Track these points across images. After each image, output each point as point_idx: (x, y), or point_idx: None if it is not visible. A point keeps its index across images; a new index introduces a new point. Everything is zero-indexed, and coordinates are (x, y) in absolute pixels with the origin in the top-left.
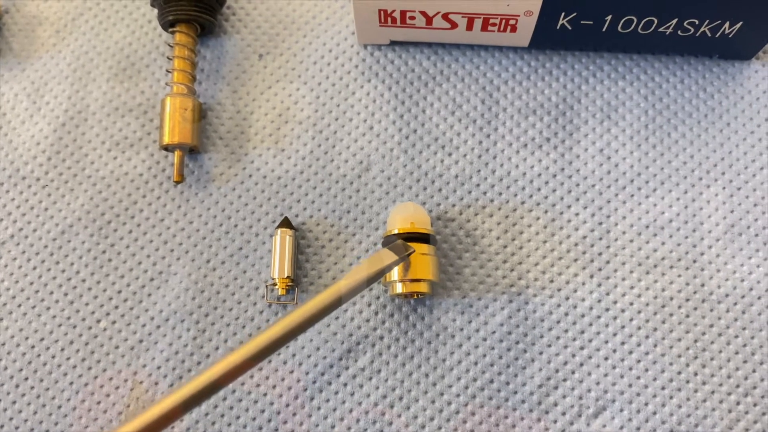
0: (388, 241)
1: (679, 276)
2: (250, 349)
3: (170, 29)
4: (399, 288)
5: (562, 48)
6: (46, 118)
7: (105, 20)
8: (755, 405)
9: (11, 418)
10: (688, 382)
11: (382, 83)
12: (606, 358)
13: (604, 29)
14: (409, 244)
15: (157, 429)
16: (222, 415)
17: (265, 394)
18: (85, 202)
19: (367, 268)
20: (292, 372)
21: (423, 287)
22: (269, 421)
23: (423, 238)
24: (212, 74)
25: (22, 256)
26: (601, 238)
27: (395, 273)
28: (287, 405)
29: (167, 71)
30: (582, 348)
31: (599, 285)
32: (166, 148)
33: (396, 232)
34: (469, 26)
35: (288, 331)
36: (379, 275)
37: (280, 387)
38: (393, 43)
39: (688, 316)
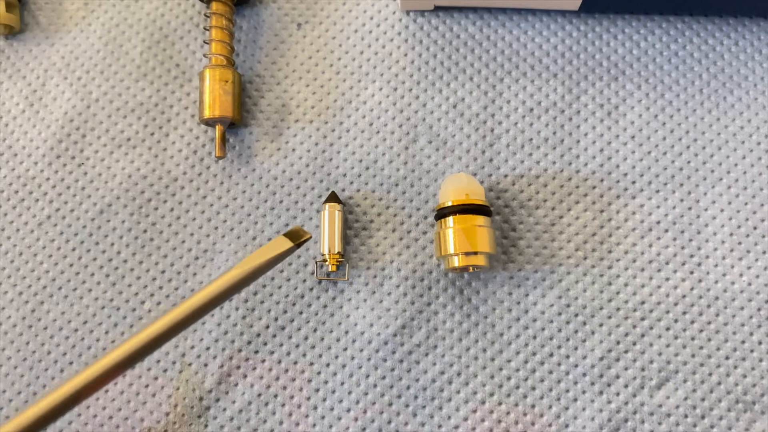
0: (441, 214)
1: (748, 236)
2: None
3: None
4: (456, 261)
5: (613, 11)
6: (79, 94)
7: None
8: None
9: None
10: (752, 351)
11: (427, 50)
12: (668, 329)
13: None
14: (463, 216)
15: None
16: (275, 396)
17: (319, 373)
18: (123, 180)
19: (261, 256)
20: (345, 350)
21: (481, 260)
22: (324, 400)
23: (479, 209)
24: (249, 45)
25: (60, 237)
26: (659, 206)
27: (450, 246)
28: (342, 383)
29: (204, 42)
30: (643, 319)
31: (658, 254)
32: (207, 122)
33: (450, 204)
34: None
35: (176, 322)
36: (274, 263)
37: (334, 365)
38: (437, 9)
39: (750, 284)
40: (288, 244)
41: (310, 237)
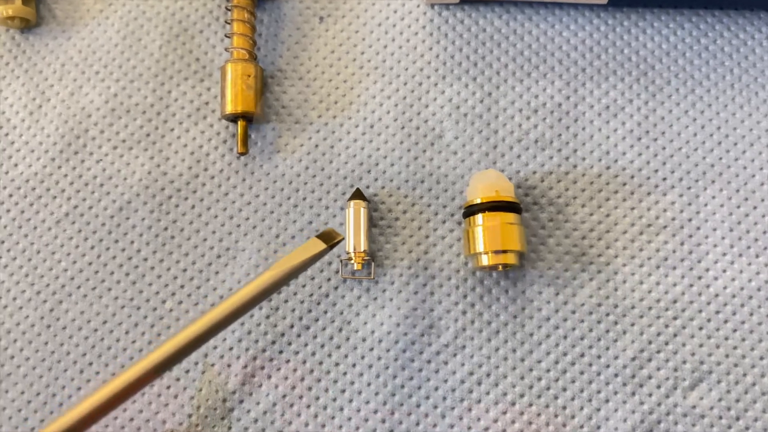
0: (470, 212)
1: None
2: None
3: None
4: (485, 260)
5: (642, 5)
6: (97, 89)
7: None
8: None
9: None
10: None
11: (452, 45)
12: (701, 328)
13: None
14: (493, 213)
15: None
16: (300, 397)
17: (345, 373)
18: (142, 177)
19: (295, 258)
20: (372, 350)
21: (511, 258)
22: (350, 401)
23: (509, 206)
24: (271, 39)
25: (78, 235)
26: (690, 204)
27: (480, 244)
28: (369, 384)
29: (225, 36)
30: (675, 318)
31: (690, 252)
32: (228, 117)
33: (479, 201)
34: None
35: (207, 330)
36: (307, 265)
37: (360, 365)
38: (462, 2)
39: None
40: (321, 246)
41: (343, 239)
